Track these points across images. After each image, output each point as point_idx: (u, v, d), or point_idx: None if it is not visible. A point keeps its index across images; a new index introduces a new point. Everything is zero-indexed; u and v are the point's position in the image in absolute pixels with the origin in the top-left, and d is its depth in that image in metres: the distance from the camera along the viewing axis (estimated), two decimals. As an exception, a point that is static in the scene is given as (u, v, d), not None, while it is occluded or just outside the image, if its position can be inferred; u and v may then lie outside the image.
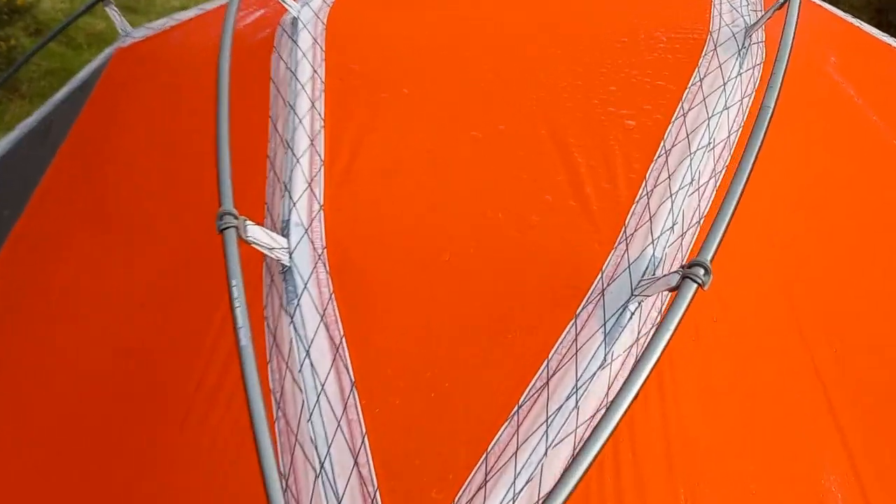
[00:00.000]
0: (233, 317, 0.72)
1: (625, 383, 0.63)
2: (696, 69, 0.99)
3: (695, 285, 0.67)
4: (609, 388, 0.72)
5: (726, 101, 0.95)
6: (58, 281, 1.29)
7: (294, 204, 0.87)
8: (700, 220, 0.84)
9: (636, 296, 0.76)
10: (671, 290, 0.69)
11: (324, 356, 0.76)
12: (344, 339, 0.77)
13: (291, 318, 0.79)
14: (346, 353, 0.76)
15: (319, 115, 0.98)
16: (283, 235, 0.85)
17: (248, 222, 0.79)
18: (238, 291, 0.73)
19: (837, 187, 1.05)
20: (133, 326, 1.05)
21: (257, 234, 0.80)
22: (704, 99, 0.95)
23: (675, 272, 0.70)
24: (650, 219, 0.83)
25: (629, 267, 0.79)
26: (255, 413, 0.64)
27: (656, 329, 0.67)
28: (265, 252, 0.80)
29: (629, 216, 0.84)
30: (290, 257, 0.82)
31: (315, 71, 1.03)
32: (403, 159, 0.93)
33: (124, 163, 1.36)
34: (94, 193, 1.39)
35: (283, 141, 0.97)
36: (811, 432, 0.82)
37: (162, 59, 1.50)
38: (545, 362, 0.74)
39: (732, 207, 0.72)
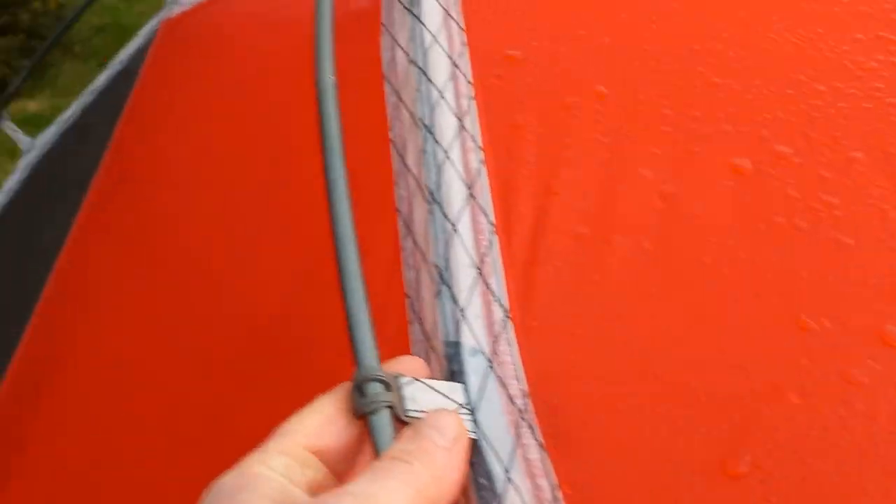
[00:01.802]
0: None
1: None
2: None
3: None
4: None
5: None
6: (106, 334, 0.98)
7: (463, 311, 0.52)
8: None
9: None
10: None
11: None
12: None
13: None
14: None
15: (475, 142, 0.61)
16: (453, 377, 0.50)
17: (399, 377, 0.45)
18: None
19: None
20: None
21: (413, 395, 0.46)
22: None
23: None
24: None
25: None
26: None
27: None
28: (436, 426, 0.46)
29: None
30: (476, 425, 0.47)
31: (455, 64, 0.66)
32: (627, 214, 0.56)
33: (178, 180, 1.03)
34: (143, 217, 1.06)
35: (422, 187, 0.61)
36: None
37: (220, 38, 1.14)
38: None
39: None
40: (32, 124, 1.67)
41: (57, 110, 3.19)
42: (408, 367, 0.47)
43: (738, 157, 0.57)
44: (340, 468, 0.42)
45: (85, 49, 3.92)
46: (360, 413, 0.42)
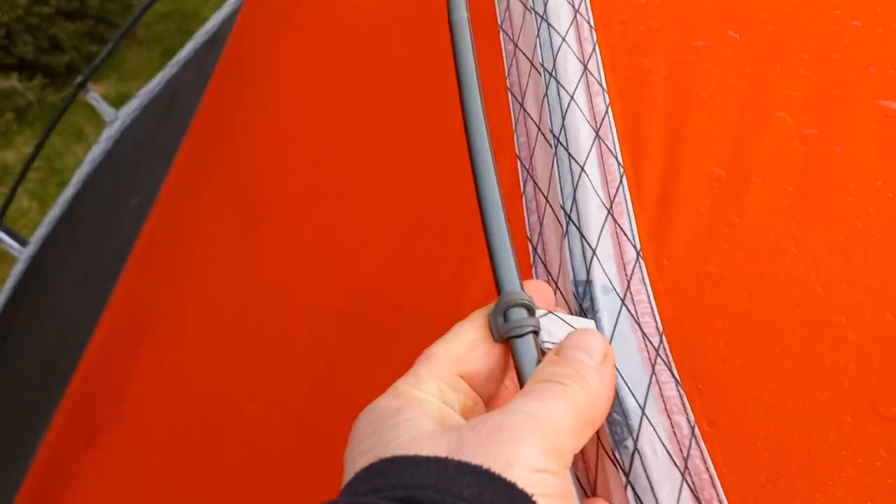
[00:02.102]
0: None
1: None
2: None
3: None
4: None
5: None
6: (194, 298, 1.00)
7: (594, 250, 0.51)
8: None
9: None
10: None
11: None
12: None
13: (626, 475, 0.43)
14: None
15: (600, 84, 0.60)
16: (584, 314, 0.49)
17: (540, 312, 0.44)
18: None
19: None
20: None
21: (548, 326, 0.45)
22: None
23: None
24: None
25: None
26: None
27: None
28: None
29: None
30: (612, 360, 0.46)
31: (576, 9, 0.65)
32: (766, 156, 0.54)
33: (276, 140, 1.04)
34: (239, 179, 1.08)
35: (544, 132, 0.60)
36: None
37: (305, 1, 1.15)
38: None
39: None
40: (99, 110, 1.73)
41: (123, 95, 3.28)
42: (535, 289, 0.46)
43: (883, 99, 0.55)
44: (486, 393, 0.42)
45: (149, 35, 4.02)
46: (506, 337, 0.42)
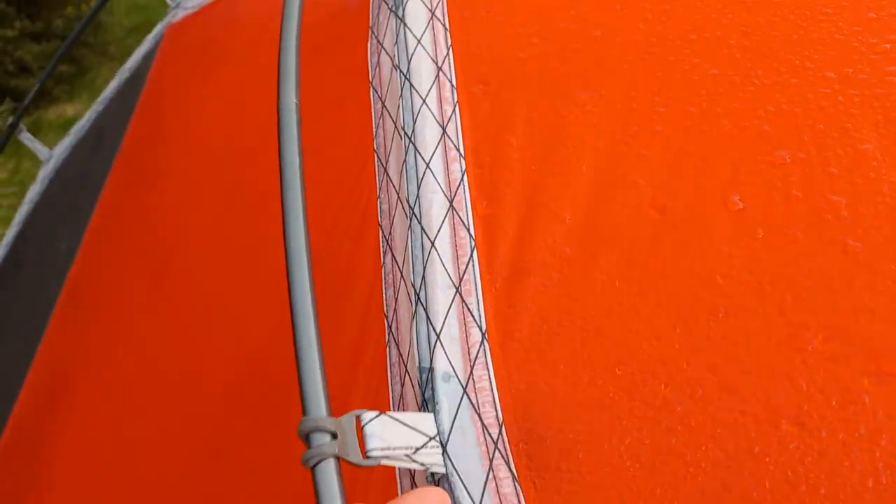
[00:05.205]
0: None
1: None
2: None
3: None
4: None
5: None
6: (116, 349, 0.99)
7: (438, 334, 0.50)
8: None
9: None
10: None
11: None
12: None
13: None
14: None
15: (457, 149, 0.58)
16: (426, 405, 0.48)
17: (363, 414, 0.43)
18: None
19: None
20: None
21: (380, 432, 0.43)
22: None
23: None
24: None
25: None
26: None
27: None
28: (395, 464, 0.44)
29: None
30: (446, 457, 0.45)
31: (440, 69, 0.63)
32: (616, 220, 0.52)
33: (185, 185, 1.02)
34: (151, 226, 1.06)
35: (401, 200, 0.58)
36: None
37: (222, 41, 1.13)
38: None
39: None
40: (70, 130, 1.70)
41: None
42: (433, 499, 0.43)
43: (737, 159, 0.53)
44: None
45: (120, 49, 3.97)
46: (306, 466, 0.40)
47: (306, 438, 0.40)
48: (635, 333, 0.48)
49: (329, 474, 0.38)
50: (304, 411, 0.40)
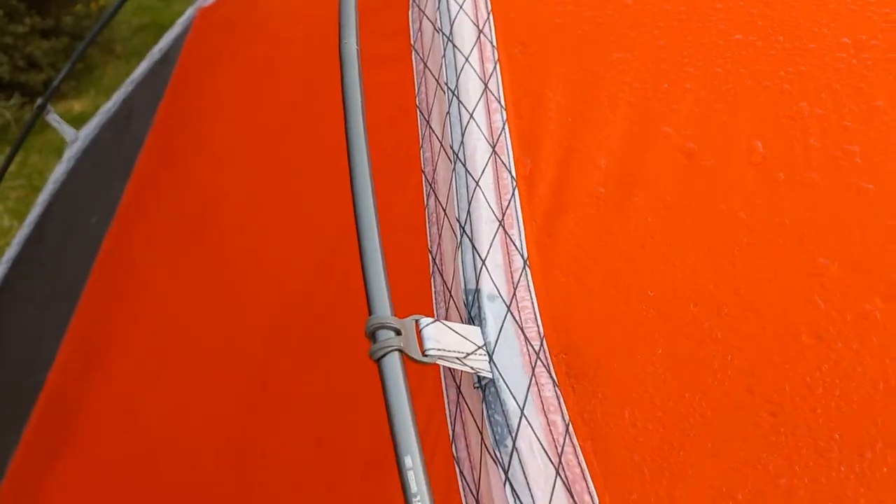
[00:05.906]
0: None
1: None
2: None
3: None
4: None
5: None
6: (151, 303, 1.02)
7: (483, 260, 0.54)
8: None
9: None
10: None
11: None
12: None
13: (506, 472, 0.46)
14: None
15: (499, 101, 0.63)
16: (472, 322, 0.52)
17: (421, 319, 0.47)
18: (414, 461, 0.41)
19: None
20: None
21: (436, 335, 0.47)
22: None
23: None
24: None
25: None
26: None
27: None
28: (449, 365, 0.48)
29: None
30: (492, 364, 0.49)
31: (480, 30, 0.68)
32: (648, 165, 0.57)
33: (217, 158, 1.07)
34: (184, 197, 1.10)
35: (444, 147, 0.63)
36: None
37: (254, 20, 1.18)
38: None
39: None
40: (78, 124, 1.74)
41: (102, 110, 3.30)
42: None
43: (760, 112, 0.58)
44: None
45: (126, 48, 4.03)
46: (373, 358, 0.44)
47: (372, 335, 0.44)
48: (666, 262, 0.52)
49: (395, 365, 0.43)
50: (371, 311, 0.45)
